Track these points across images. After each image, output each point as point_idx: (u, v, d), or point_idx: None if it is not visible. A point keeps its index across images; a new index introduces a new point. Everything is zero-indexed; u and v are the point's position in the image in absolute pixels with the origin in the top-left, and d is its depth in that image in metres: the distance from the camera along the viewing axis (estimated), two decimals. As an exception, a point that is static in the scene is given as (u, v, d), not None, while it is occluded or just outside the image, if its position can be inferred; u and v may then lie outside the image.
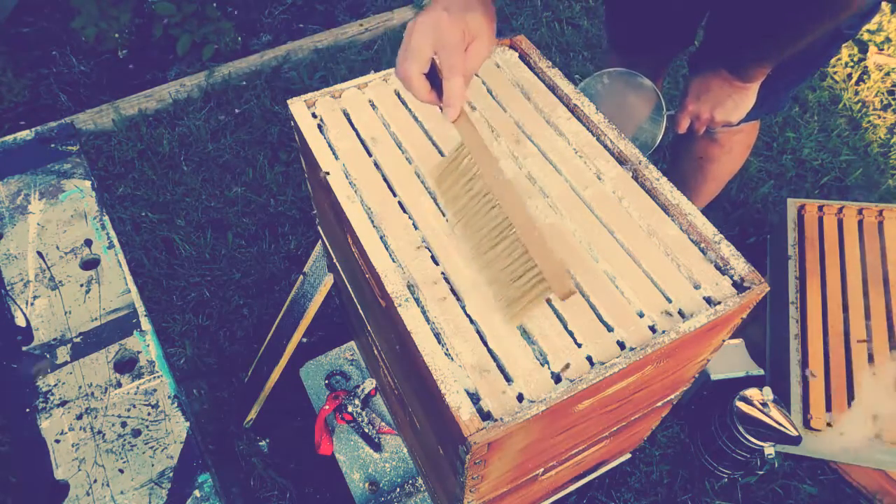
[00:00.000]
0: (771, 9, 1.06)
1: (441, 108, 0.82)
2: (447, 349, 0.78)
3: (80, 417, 0.98)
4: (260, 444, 1.72)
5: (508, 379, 0.76)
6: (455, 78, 0.79)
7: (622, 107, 1.37)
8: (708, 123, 1.30)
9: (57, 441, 0.95)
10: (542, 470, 1.03)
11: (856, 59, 2.71)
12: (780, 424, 1.47)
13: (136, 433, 0.97)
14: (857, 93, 2.59)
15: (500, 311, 0.80)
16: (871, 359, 1.61)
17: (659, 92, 1.34)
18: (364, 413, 1.59)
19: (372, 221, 0.90)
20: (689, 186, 1.73)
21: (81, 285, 1.12)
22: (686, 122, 1.33)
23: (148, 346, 1.05)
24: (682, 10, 1.43)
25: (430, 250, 0.88)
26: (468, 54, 0.81)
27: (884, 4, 2.86)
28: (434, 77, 0.82)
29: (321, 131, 1.01)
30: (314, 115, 1.03)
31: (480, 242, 0.83)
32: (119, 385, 1.01)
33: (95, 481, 0.92)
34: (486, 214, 0.82)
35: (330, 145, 0.99)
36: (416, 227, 0.90)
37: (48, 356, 1.03)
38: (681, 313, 0.82)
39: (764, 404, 1.50)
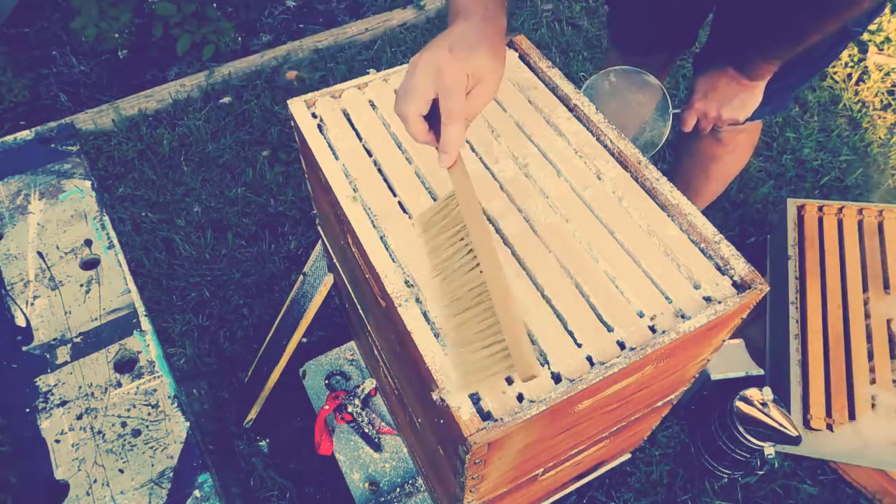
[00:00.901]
0: (778, 7, 1.06)
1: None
2: (447, 349, 0.78)
3: (80, 417, 0.98)
4: (260, 444, 1.72)
5: (508, 379, 0.76)
6: (453, 124, 0.75)
7: (628, 104, 1.37)
8: (715, 122, 1.30)
9: (57, 441, 0.95)
10: (542, 470, 1.03)
11: (856, 59, 2.71)
12: (780, 424, 1.47)
13: (136, 433, 0.97)
14: (857, 93, 2.59)
15: (456, 375, 0.74)
16: (871, 358, 1.61)
17: (665, 90, 1.34)
18: (364, 413, 1.59)
19: (372, 221, 0.90)
20: (692, 186, 1.72)
21: (81, 285, 1.12)
22: (693, 120, 1.33)
23: (148, 346, 1.05)
24: (684, 11, 1.43)
25: (430, 250, 0.88)
26: (470, 98, 0.77)
27: (884, 4, 2.86)
28: (434, 117, 0.77)
29: (321, 131, 1.01)
30: (314, 115, 1.03)
31: (454, 302, 0.78)
32: (119, 385, 1.01)
33: (95, 481, 0.92)
34: (465, 274, 0.77)
35: (330, 145, 0.99)
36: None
37: (48, 356, 1.03)
38: (681, 313, 0.82)
39: (764, 404, 1.50)
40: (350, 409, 1.59)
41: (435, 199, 0.94)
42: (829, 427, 1.53)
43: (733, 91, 1.23)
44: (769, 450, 1.49)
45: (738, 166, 1.66)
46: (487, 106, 1.05)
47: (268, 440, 1.72)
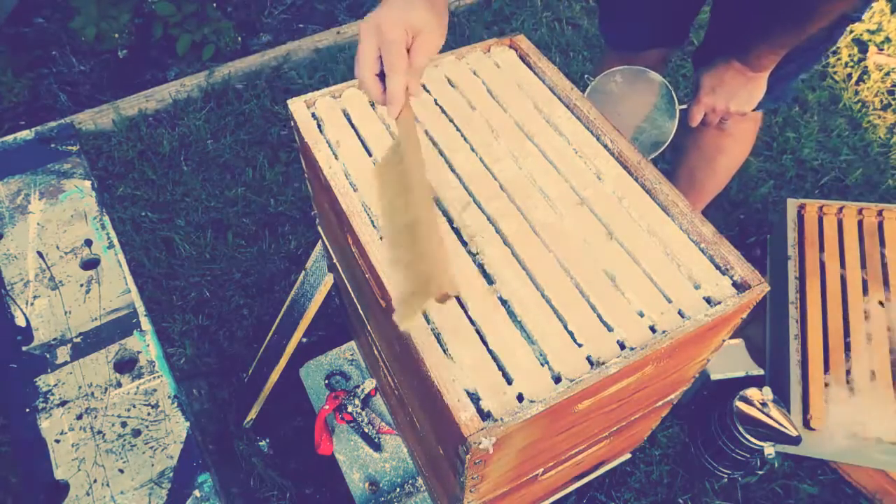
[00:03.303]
0: None
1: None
2: (447, 349, 0.78)
3: (80, 417, 0.98)
4: (260, 444, 1.72)
5: (508, 379, 0.76)
6: (394, 76, 0.79)
7: (635, 103, 1.38)
8: (723, 115, 1.32)
9: (57, 441, 0.95)
10: (542, 470, 1.03)
11: (856, 59, 2.71)
12: (780, 424, 1.47)
13: (136, 433, 0.97)
14: (857, 93, 2.59)
15: (398, 306, 0.73)
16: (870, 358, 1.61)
17: (670, 87, 1.35)
18: (364, 413, 1.59)
19: (372, 221, 0.90)
20: (696, 181, 1.72)
21: (81, 285, 1.12)
22: (700, 115, 1.34)
23: (148, 346, 1.05)
24: (673, 7, 1.45)
25: (430, 250, 0.88)
26: (412, 51, 0.81)
27: (884, 4, 2.86)
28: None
29: (321, 131, 1.01)
30: (314, 116, 1.03)
31: (393, 240, 0.78)
32: (119, 385, 1.01)
33: (95, 481, 0.92)
34: (403, 213, 0.78)
35: (330, 145, 0.99)
36: (416, 227, 0.90)
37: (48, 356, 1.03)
38: (681, 313, 0.82)
39: (764, 404, 1.50)
40: (350, 409, 1.59)
41: (435, 199, 0.94)
42: (829, 427, 1.53)
43: (740, 83, 1.24)
44: (769, 450, 1.49)
45: (742, 157, 1.67)
46: (487, 106, 1.05)
47: (268, 440, 1.72)
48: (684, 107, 1.35)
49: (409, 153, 0.80)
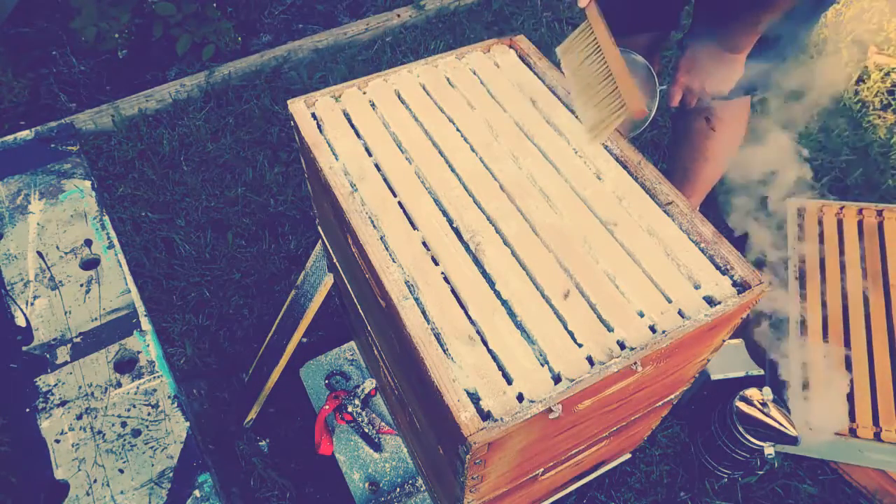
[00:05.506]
0: None
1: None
2: (447, 349, 0.78)
3: (80, 417, 0.98)
4: (260, 444, 1.71)
5: (508, 379, 0.76)
6: None
7: None
8: (699, 95, 1.34)
9: (57, 441, 0.95)
10: (542, 470, 1.03)
11: (856, 58, 2.71)
12: (780, 424, 1.47)
13: (136, 433, 0.97)
14: (857, 93, 2.59)
15: (585, 134, 1.00)
16: (870, 358, 1.60)
17: (651, 68, 1.36)
18: (364, 413, 1.59)
19: (372, 221, 0.90)
20: (690, 170, 1.72)
21: (81, 285, 1.12)
22: (678, 95, 1.37)
23: (148, 346, 1.05)
24: None
25: (429, 250, 0.88)
26: None
27: (884, 4, 2.86)
28: None
29: (321, 131, 1.01)
30: (314, 116, 1.03)
31: (586, 88, 1.03)
32: (119, 385, 1.01)
33: (95, 481, 0.92)
34: (596, 69, 1.03)
35: (330, 145, 0.99)
36: (415, 228, 0.90)
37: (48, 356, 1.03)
38: (681, 313, 0.82)
39: (764, 404, 1.50)
40: (350, 409, 1.59)
41: (435, 199, 0.94)
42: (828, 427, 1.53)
43: (714, 65, 1.27)
44: (769, 450, 1.49)
45: (731, 142, 1.67)
46: (487, 106, 1.05)
47: (268, 440, 1.72)
48: (665, 87, 1.37)
49: (599, 29, 1.05)
